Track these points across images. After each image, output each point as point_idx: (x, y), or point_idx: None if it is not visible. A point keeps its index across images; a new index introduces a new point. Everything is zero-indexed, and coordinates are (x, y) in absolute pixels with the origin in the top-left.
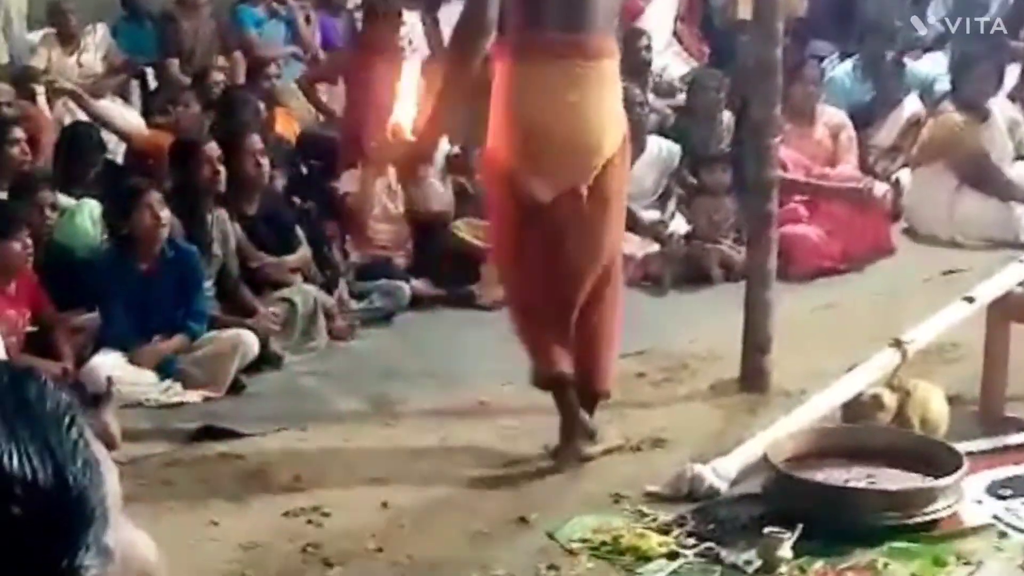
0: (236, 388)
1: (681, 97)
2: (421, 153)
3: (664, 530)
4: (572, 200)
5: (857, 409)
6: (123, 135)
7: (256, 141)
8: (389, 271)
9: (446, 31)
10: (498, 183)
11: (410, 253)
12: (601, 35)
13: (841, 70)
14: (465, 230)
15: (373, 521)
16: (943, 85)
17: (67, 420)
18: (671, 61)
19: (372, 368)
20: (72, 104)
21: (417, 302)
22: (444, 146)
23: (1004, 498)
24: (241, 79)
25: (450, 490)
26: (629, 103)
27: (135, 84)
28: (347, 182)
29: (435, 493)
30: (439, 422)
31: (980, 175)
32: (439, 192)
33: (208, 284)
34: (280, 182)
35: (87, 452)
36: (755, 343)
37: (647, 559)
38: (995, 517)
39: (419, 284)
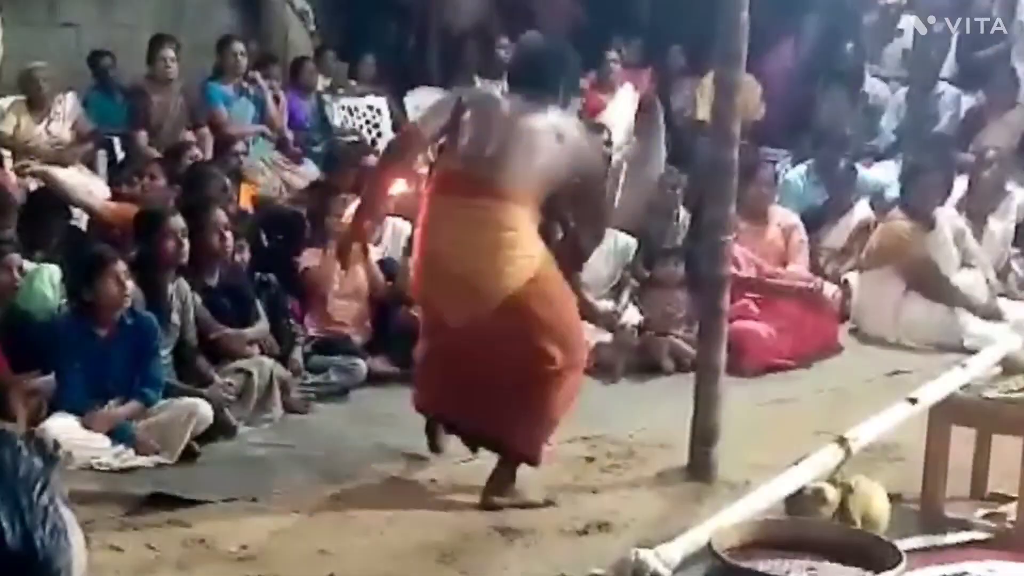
0: (189, 456)
1: None
2: (351, 238)
3: None
4: (475, 328)
5: (800, 503)
6: (86, 207)
7: (221, 215)
8: (346, 347)
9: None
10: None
11: (368, 330)
12: (510, 179)
13: (795, 173)
14: None
15: None
16: (893, 192)
17: (38, 485)
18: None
19: (325, 442)
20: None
21: (374, 379)
22: (406, 229)
23: None
24: (209, 154)
25: (398, 565)
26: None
27: (102, 154)
28: (308, 258)
29: (383, 568)
30: (390, 497)
31: (926, 281)
32: (378, 277)
33: (165, 352)
34: (242, 256)
35: (56, 517)
36: (702, 434)
37: None
38: None
39: (376, 361)
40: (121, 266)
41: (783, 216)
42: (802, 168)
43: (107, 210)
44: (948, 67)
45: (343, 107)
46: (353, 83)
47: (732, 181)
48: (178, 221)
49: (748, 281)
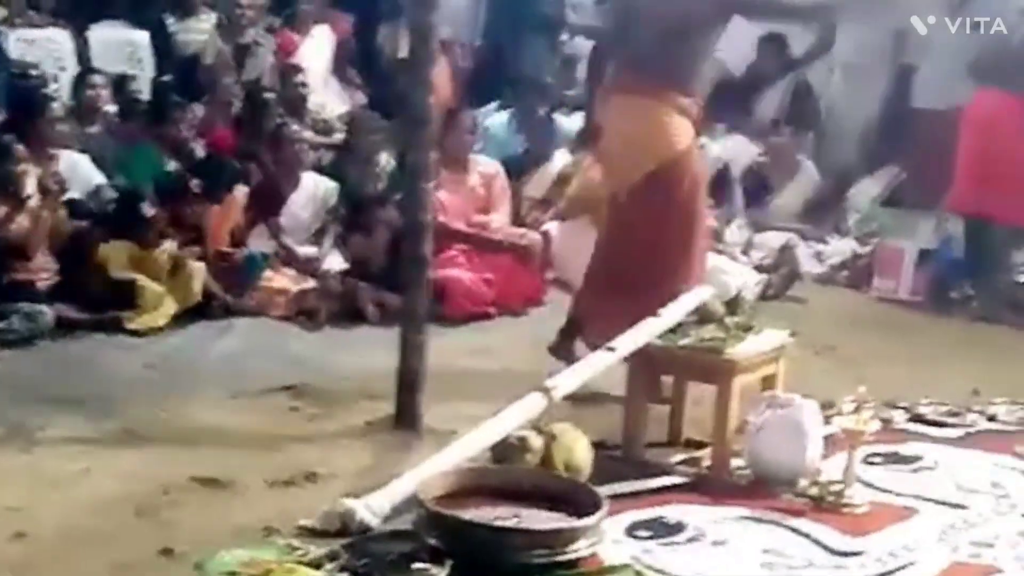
0: None
1: (339, 136)
2: None
3: (316, 564)
4: None
5: (505, 451)
6: None
7: None
8: (30, 293)
9: None
10: None
11: (54, 276)
12: None
13: (496, 121)
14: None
15: (8, 552)
16: None
17: None
18: (329, 99)
19: (10, 392)
20: None
21: (63, 326)
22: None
23: (641, 539)
24: None
25: (93, 520)
26: (287, 139)
27: None
28: None
29: (77, 523)
30: (83, 449)
31: None
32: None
33: None
34: None
35: None
36: (408, 382)
37: None
38: (632, 557)
39: (63, 307)
40: None
41: (485, 164)
42: (503, 116)
43: None
44: None
45: (20, 39)
46: (33, 14)
47: (430, 127)
48: None
49: (460, 232)
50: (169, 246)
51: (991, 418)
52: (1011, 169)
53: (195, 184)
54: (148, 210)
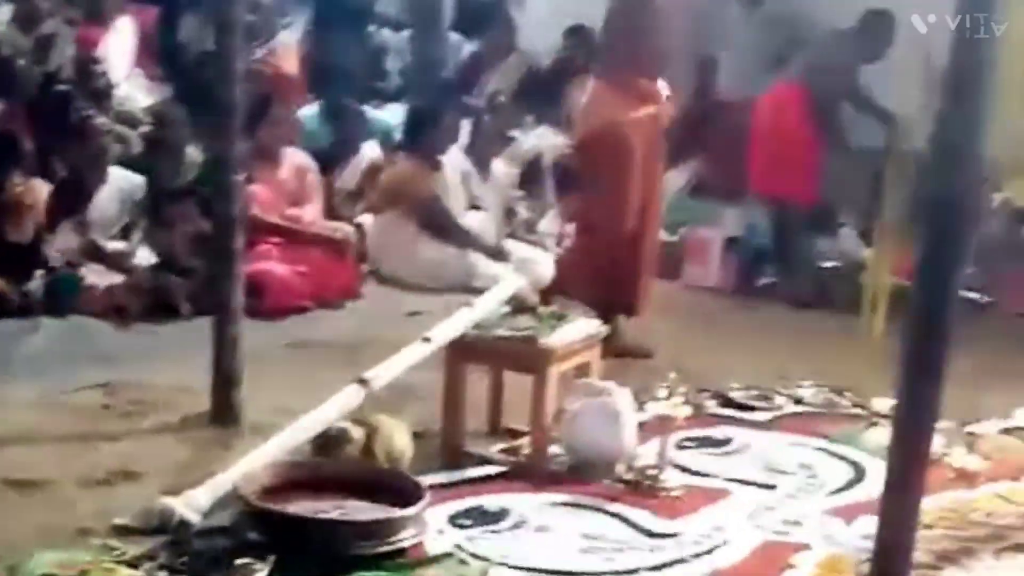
0: None
1: (145, 128)
2: None
3: (134, 564)
4: None
5: (326, 443)
6: None
7: None
8: None
9: None
10: None
11: None
12: None
13: (306, 113)
14: None
15: None
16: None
17: None
18: (134, 91)
19: None
20: None
21: None
22: None
23: (463, 527)
24: None
25: None
26: (93, 131)
27: None
28: None
29: None
30: None
31: (435, 222)
32: None
33: None
34: None
35: None
36: (224, 377)
37: None
38: (456, 546)
39: None
40: None
41: (295, 156)
42: (313, 108)
43: None
44: (448, 14)
45: None
46: None
47: (236, 119)
48: None
49: (273, 225)
50: None
51: (798, 401)
52: (795, 150)
53: None
54: None
